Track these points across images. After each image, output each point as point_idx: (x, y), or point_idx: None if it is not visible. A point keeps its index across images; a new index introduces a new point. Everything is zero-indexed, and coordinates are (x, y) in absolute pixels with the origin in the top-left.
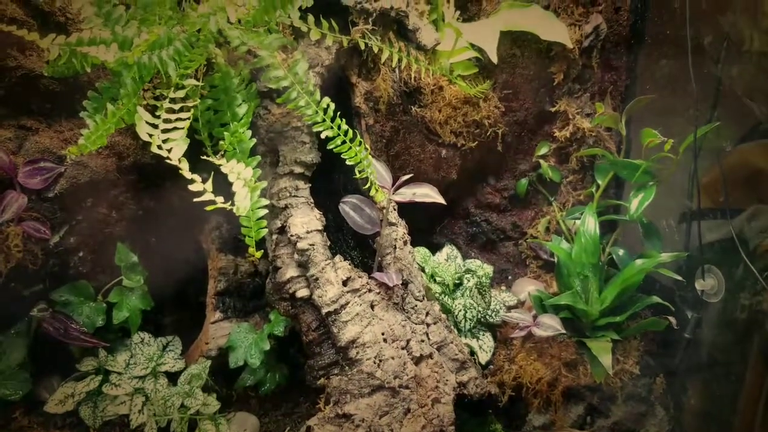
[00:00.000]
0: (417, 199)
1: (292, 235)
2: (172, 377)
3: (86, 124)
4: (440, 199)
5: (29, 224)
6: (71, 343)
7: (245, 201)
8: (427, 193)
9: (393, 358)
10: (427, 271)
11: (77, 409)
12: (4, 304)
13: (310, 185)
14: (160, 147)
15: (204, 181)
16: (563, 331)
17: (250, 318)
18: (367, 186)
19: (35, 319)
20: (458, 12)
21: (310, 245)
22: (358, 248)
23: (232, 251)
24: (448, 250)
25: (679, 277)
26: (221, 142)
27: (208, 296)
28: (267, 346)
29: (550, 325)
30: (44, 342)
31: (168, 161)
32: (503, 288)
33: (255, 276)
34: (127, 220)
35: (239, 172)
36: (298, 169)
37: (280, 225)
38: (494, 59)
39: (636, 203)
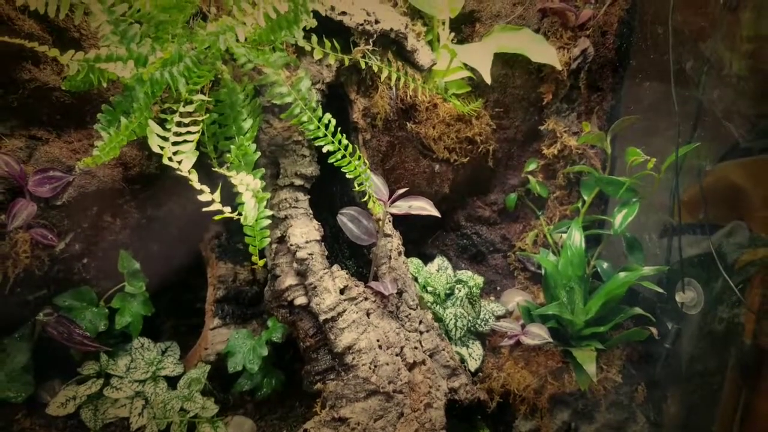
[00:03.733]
0: (413, 212)
1: (291, 245)
2: (171, 381)
3: (100, 135)
4: (435, 212)
5: (37, 231)
6: (74, 347)
7: (253, 211)
8: (423, 206)
9: (387, 364)
10: (420, 281)
11: (78, 411)
12: (9, 308)
13: (309, 197)
14: (170, 159)
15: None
16: (550, 340)
17: (248, 324)
18: (365, 199)
19: (40, 323)
20: (452, 34)
21: (309, 255)
22: (353, 258)
23: (231, 259)
24: (439, 261)
25: (661, 290)
26: (226, 155)
27: (207, 303)
28: (265, 352)
29: (537, 334)
30: (46, 346)
31: (179, 172)
32: (492, 298)
33: (253, 284)
34: (131, 228)
35: (248, 184)
36: (298, 181)
37: (279, 235)
38: (488, 80)
39: (620, 218)
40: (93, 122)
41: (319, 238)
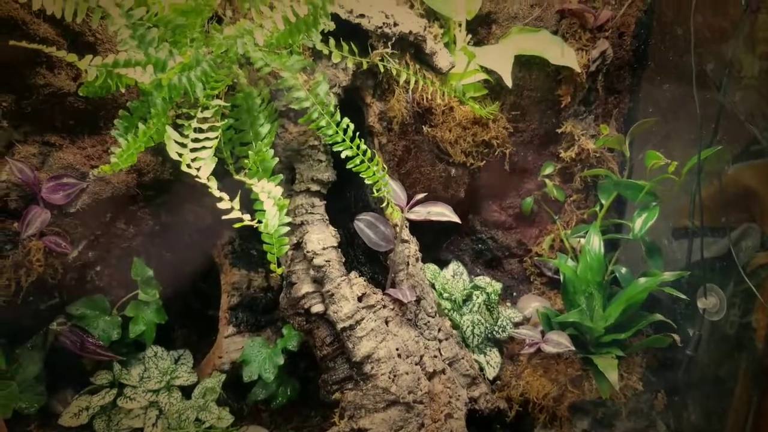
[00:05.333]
0: (432, 218)
1: (308, 252)
2: (185, 390)
3: (116, 142)
4: (455, 218)
5: (51, 239)
6: (88, 356)
7: (275, 219)
8: (442, 212)
9: (407, 373)
10: (437, 287)
11: (92, 422)
12: (22, 317)
13: (325, 202)
14: (189, 166)
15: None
16: (572, 348)
17: (263, 332)
18: (383, 205)
19: (53, 332)
20: (469, 35)
21: (326, 261)
22: (368, 263)
23: (245, 266)
24: (454, 266)
25: (684, 296)
26: (244, 160)
27: (221, 311)
28: (281, 361)
29: (558, 342)
30: (57, 355)
31: (197, 179)
32: (508, 304)
33: (267, 290)
34: (144, 235)
35: (269, 191)
36: (314, 187)
37: (295, 241)
38: (509, 83)
39: (640, 222)
40: (107, 128)
41: (335, 244)
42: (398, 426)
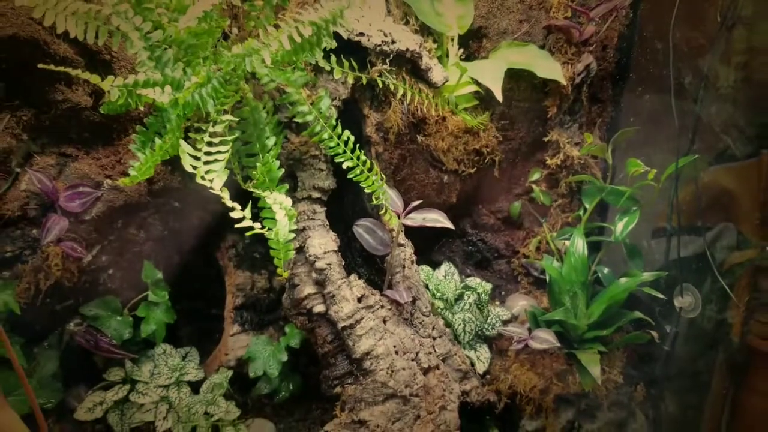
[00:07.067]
0: (427, 224)
1: (310, 255)
2: (193, 386)
3: (135, 155)
4: (449, 225)
5: (67, 244)
6: (102, 355)
7: (285, 228)
8: (437, 219)
9: (404, 368)
10: (430, 288)
11: (105, 416)
12: (40, 318)
13: (326, 209)
14: (203, 178)
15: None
16: (558, 345)
17: (266, 330)
18: (382, 212)
19: (69, 332)
20: (461, 50)
21: (327, 265)
22: (365, 266)
23: (249, 268)
24: (446, 267)
25: (661, 296)
26: (251, 171)
27: (226, 310)
28: (284, 358)
29: (545, 338)
30: (71, 353)
31: (212, 191)
32: (497, 303)
33: (269, 291)
34: (153, 240)
35: (281, 202)
36: (315, 194)
37: (298, 245)
38: (499, 98)
39: (621, 226)
40: (119, 139)
41: (336, 248)
42: (396, 417)
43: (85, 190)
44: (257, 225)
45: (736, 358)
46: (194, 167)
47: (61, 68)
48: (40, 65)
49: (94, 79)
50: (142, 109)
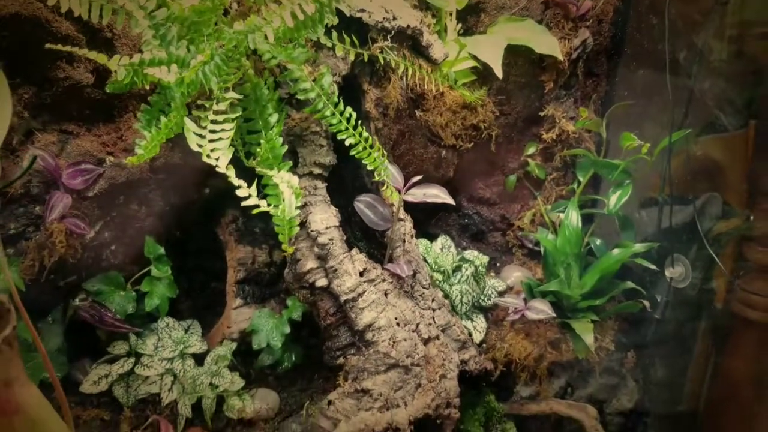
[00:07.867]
0: (428, 200)
1: (312, 230)
2: (196, 358)
3: (141, 134)
4: (449, 200)
5: (71, 221)
6: (107, 329)
7: (292, 206)
8: (437, 194)
9: (405, 339)
10: (429, 261)
11: (111, 389)
12: (44, 294)
13: (327, 184)
14: (208, 156)
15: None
16: (554, 315)
17: (267, 304)
18: (384, 188)
19: (74, 307)
20: (459, 24)
21: (330, 240)
22: (364, 240)
23: (250, 243)
24: (442, 240)
25: (653, 266)
26: (254, 148)
27: (228, 284)
28: (287, 330)
29: (541, 309)
30: (74, 328)
31: (217, 169)
32: (492, 274)
33: (270, 266)
34: (154, 216)
35: (288, 181)
36: (316, 170)
37: (300, 221)
38: (499, 74)
39: (614, 199)
40: (120, 116)
41: (337, 223)
42: (398, 386)
43: (88, 167)
44: (263, 203)
45: (720, 324)
46: (200, 145)
47: (67, 48)
48: (48, 45)
49: (101, 58)
50: (147, 87)
